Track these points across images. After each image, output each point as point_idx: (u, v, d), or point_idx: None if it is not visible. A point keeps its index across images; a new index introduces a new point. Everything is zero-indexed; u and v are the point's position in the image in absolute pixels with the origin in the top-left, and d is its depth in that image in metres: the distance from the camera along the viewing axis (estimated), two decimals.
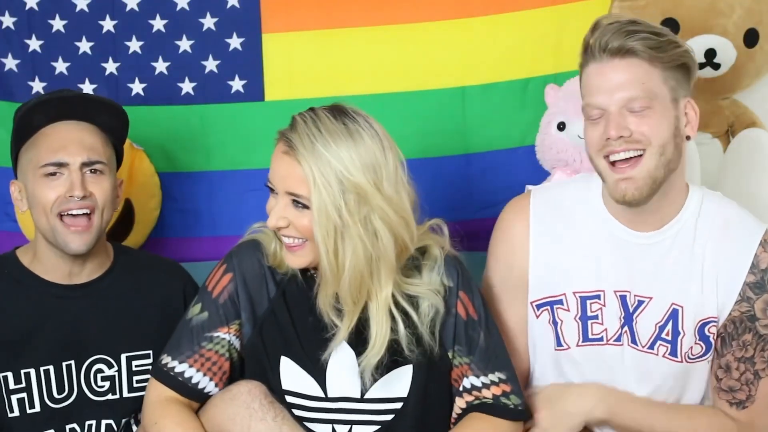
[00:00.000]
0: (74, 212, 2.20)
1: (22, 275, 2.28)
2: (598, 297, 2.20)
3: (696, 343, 2.19)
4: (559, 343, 2.24)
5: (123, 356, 2.28)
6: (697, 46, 2.69)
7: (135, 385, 2.29)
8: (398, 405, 2.12)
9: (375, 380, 2.11)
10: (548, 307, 2.24)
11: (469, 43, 2.77)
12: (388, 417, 2.12)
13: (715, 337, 2.19)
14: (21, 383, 2.23)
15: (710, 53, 2.69)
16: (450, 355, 2.15)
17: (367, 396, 2.11)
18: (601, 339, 2.21)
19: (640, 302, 2.19)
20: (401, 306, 2.10)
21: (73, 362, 2.25)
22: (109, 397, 2.28)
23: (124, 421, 2.29)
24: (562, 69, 2.77)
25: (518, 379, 2.19)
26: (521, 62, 2.79)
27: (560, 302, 2.22)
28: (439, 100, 2.78)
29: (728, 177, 2.61)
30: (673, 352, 2.20)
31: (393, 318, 2.09)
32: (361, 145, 2.03)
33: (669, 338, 2.19)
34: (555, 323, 2.23)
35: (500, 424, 2.14)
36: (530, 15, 2.77)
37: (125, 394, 2.29)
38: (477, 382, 2.14)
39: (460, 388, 2.16)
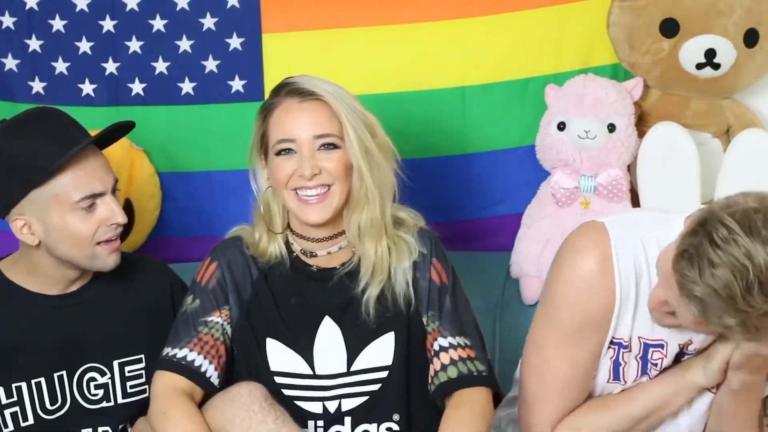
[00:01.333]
0: (113, 237, 2.21)
1: (8, 289, 2.24)
2: (662, 347, 2.10)
3: None
4: (616, 378, 2.13)
5: (115, 363, 2.27)
6: (697, 46, 2.69)
7: (129, 390, 2.28)
8: (384, 374, 2.16)
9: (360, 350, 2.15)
10: (615, 347, 2.11)
11: (469, 43, 2.76)
12: (375, 387, 2.15)
13: None
14: (13, 397, 2.22)
15: (710, 53, 2.68)
16: (425, 321, 2.19)
17: (353, 368, 2.15)
18: None
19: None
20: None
21: (65, 372, 2.24)
22: (104, 404, 2.27)
23: (120, 427, 2.28)
24: (562, 69, 2.77)
25: (485, 351, 2.21)
26: (521, 62, 2.78)
27: (627, 347, 2.11)
28: (439, 100, 2.78)
29: (727, 177, 2.61)
30: None
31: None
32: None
33: None
34: (617, 363, 2.12)
35: (474, 393, 2.15)
36: (530, 15, 2.76)
37: (120, 400, 2.28)
38: (444, 343, 2.18)
39: (432, 353, 2.19)
